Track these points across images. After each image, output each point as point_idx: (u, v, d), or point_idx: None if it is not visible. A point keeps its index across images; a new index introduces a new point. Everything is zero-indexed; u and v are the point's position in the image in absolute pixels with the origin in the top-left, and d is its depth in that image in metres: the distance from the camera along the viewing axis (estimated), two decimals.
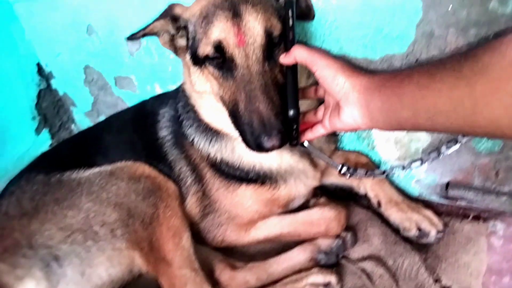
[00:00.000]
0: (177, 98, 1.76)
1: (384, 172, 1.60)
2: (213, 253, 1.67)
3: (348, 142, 1.87)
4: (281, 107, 1.29)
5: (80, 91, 2.36)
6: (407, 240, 1.62)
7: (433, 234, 1.59)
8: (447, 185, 1.71)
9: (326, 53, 1.29)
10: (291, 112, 1.27)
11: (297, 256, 1.60)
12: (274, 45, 1.32)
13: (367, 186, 1.77)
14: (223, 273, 1.60)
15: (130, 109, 2.05)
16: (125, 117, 1.98)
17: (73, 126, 2.59)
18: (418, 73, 1.06)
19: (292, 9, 1.33)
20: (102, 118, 2.39)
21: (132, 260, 1.55)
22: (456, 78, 0.93)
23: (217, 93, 1.42)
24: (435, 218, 1.63)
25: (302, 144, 1.49)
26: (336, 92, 1.24)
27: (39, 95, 2.40)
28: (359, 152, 1.85)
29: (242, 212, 1.66)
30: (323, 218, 1.64)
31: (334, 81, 1.23)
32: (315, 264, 1.59)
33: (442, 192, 1.74)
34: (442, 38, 1.38)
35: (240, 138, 1.36)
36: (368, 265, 1.55)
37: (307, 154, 1.66)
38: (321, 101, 1.46)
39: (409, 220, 1.63)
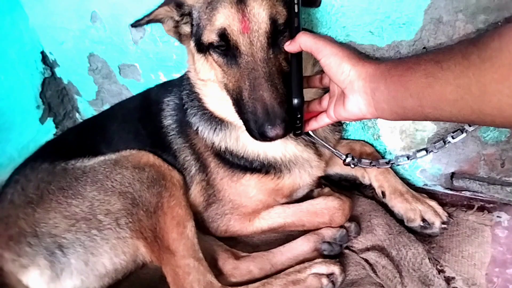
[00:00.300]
0: (182, 87, 1.75)
1: (389, 162, 1.60)
2: (216, 243, 1.68)
3: (353, 131, 1.86)
4: (285, 95, 1.28)
5: (85, 79, 2.36)
6: (411, 231, 1.61)
7: (437, 225, 1.59)
8: (452, 175, 1.70)
9: (332, 41, 1.28)
10: (295, 101, 1.27)
11: (301, 246, 1.61)
12: (279, 32, 1.31)
13: (371, 176, 1.76)
14: (227, 263, 1.61)
15: (135, 98, 2.05)
16: (130, 105, 1.98)
17: (77, 115, 2.59)
18: (425, 61, 1.04)
19: None
20: (106, 107, 2.39)
21: (136, 249, 1.56)
22: (463, 66, 0.91)
23: (221, 81, 1.41)
24: (439, 209, 1.63)
25: (306, 134, 1.48)
26: (341, 80, 1.23)
27: (43, 84, 2.39)
28: (364, 142, 1.84)
29: (246, 202, 1.67)
30: (327, 208, 1.63)
31: (340, 69, 1.22)
32: (319, 254, 1.59)
33: (447, 182, 1.73)
34: (451, 25, 1.36)
35: (244, 127, 1.36)
36: (372, 256, 1.55)
37: (311, 144, 1.65)
38: (326, 90, 1.45)
39: (413, 210, 1.62)
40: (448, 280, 1.45)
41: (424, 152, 1.54)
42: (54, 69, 2.42)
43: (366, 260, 1.56)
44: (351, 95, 1.22)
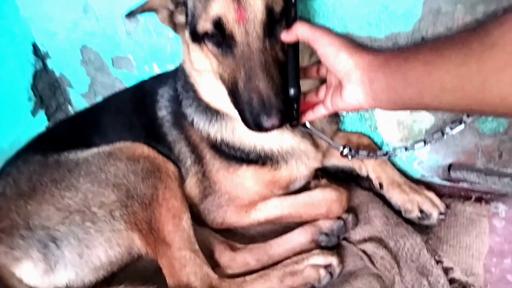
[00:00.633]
0: (177, 77, 1.74)
1: (386, 154, 1.60)
2: (213, 235, 1.67)
3: (350, 123, 1.86)
4: (281, 85, 1.27)
5: (77, 71, 2.34)
6: (408, 222, 1.62)
7: (435, 215, 1.59)
8: (450, 166, 1.70)
9: (329, 31, 1.27)
10: (291, 91, 1.26)
11: (298, 238, 1.60)
12: (275, 21, 1.29)
13: (369, 167, 1.76)
14: (223, 255, 1.60)
15: (129, 89, 2.03)
16: (124, 97, 1.97)
17: (69, 107, 2.57)
18: (424, 50, 1.04)
19: None
20: (99, 99, 2.36)
21: (131, 242, 1.55)
22: (464, 54, 0.91)
23: (217, 71, 1.40)
24: (437, 200, 1.63)
25: (303, 125, 1.48)
26: (339, 70, 1.22)
27: (35, 76, 2.37)
28: (361, 133, 1.84)
29: (242, 194, 1.66)
30: (324, 200, 1.63)
31: (337, 59, 1.21)
32: (316, 246, 1.59)
33: (444, 173, 1.73)
34: (450, 15, 1.35)
35: (239, 118, 1.35)
36: (369, 247, 1.54)
37: (308, 135, 1.65)
38: (323, 81, 1.45)
39: (411, 201, 1.62)
40: (446, 270, 1.45)
41: (422, 144, 1.54)
42: (45, 61, 2.40)
43: (364, 251, 1.55)
44: (348, 85, 1.22)
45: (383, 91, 1.14)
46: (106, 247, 1.52)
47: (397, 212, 1.65)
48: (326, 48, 1.22)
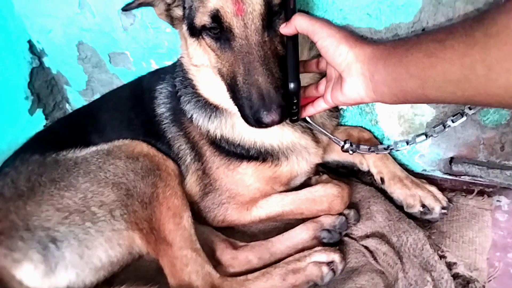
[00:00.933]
0: (175, 73, 1.72)
1: (388, 148, 1.58)
2: (214, 233, 1.66)
3: (350, 117, 1.83)
4: (281, 80, 1.25)
5: (74, 69, 2.31)
6: (411, 217, 1.59)
7: (437, 210, 1.57)
8: (451, 160, 1.68)
9: (329, 23, 1.25)
10: (291, 85, 1.24)
11: (300, 235, 1.58)
12: (274, 14, 1.27)
13: (370, 162, 1.74)
14: (225, 253, 1.59)
15: (127, 86, 2.01)
16: (122, 94, 1.94)
17: (67, 105, 2.54)
18: (426, 41, 1.01)
19: None
20: (97, 96, 2.33)
21: (132, 241, 1.54)
22: (468, 44, 0.88)
23: (215, 65, 1.38)
24: (439, 194, 1.61)
25: (303, 120, 1.46)
26: (339, 63, 1.20)
27: (31, 74, 2.33)
28: (361, 128, 1.81)
29: (243, 191, 1.64)
30: (325, 196, 1.61)
31: (337, 51, 1.19)
32: (318, 243, 1.57)
33: (446, 167, 1.71)
34: (450, 5, 1.32)
35: (239, 114, 1.33)
36: (372, 243, 1.53)
37: (309, 130, 1.63)
38: (322, 75, 1.42)
39: (413, 196, 1.60)
40: (449, 265, 1.43)
41: (423, 137, 1.52)
42: (42, 59, 2.37)
43: (366, 247, 1.53)
44: (348, 79, 1.20)
45: (384, 83, 1.12)
46: (107, 247, 1.50)
47: (399, 207, 1.63)
48: (326, 41, 1.20)
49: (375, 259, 1.49)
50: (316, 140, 1.66)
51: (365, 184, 1.77)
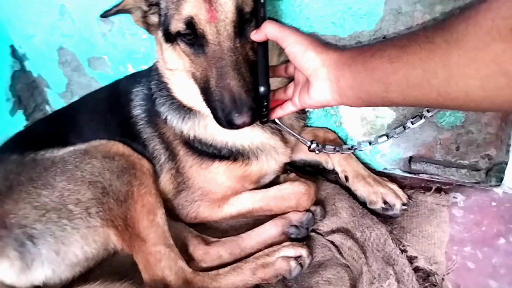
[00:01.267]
0: (150, 77, 1.67)
1: (351, 148, 1.55)
2: (187, 229, 1.60)
3: (316, 119, 1.80)
4: (252, 84, 1.23)
5: (54, 72, 2.23)
6: (373, 213, 1.56)
7: (398, 206, 1.54)
8: (410, 159, 1.66)
9: (297, 30, 1.22)
10: (261, 89, 1.21)
11: (269, 230, 1.54)
12: (245, 21, 1.25)
13: (334, 161, 1.71)
14: (197, 249, 1.53)
15: (104, 89, 1.93)
16: (99, 96, 1.87)
17: (47, 107, 2.45)
18: (389, 47, 0.98)
19: None
20: (76, 99, 2.23)
21: (107, 238, 1.47)
22: (429, 50, 0.86)
23: (189, 70, 1.34)
24: (399, 191, 1.59)
25: (273, 121, 1.43)
26: (306, 68, 1.17)
27: (13, 77, 2.25)
28: (327, 129, 1.78)
29: (215, 188, 1.59)
30: (293, 193, 1.57)
31: (304, 57, 1.16)
32: (286, 238, 1.53)
33: (406, 166, 1.69)
34: (409, 15, 1.33)
35: (211, 115, 1.30)
36: (337, 238, 1.48)
37: (277, 131, 1.59)
38: (290, 80, 1.39)
39: (375, 193, 1.58)
40: (410, 259, 1.40)
41: (385, 138, 1.50)
42: (23, 63, 2.28)
43: (332, 242, 1.49)
44: (315, 82, 1.16)
45: (349, 87, 1.09)
46: (83, 243, 1.44)
47: (362, 204, 1.60)
48: (294, 47, 1.17)
49: (340, 253, 1.45)
50: (285, 141, 1.62)
51: (330, 182, 1.73)
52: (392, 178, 1.69)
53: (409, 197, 1.59)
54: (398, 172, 1.73)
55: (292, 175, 1.71)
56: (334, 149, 1.53)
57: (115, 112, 1.74)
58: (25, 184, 1.48)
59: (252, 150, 1.56)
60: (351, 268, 1.41)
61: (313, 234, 1.56)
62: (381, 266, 1.35)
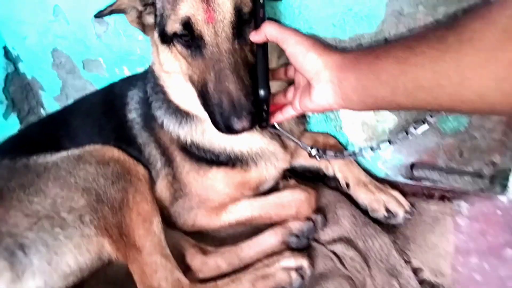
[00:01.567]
0: (146, 80, 1.59)
1: (353, 154, 1.46)
2: (183, 238, 1.51)
3: (316, 123, 1.72)
4: (251, 87, 1.16)
5: (48, 74, 2.16)
6: (375, 221, 1.48)
7: (401, 214, 1.47)
8: (412, 165, 1.58)
9: (297, 31, 1.14)
10: (261, 93, 1.14)
11: (269, 240, 1.45)
12: (244, 22, 1.18)
13: (335, 167, 1.62)
14: (195, 258, 1.44)
15: (99, 92, 1.85)
16: (94, 99, 1.79)
17: (42, 110, 2.38)
18: (396, 47, 0.91)
19: None
20: (71, 102, 2.18)
21: (101, 247, 1.38)
22: (440, 50, 0.79)
23: (186, 72, 1.27)
24: (402, 199, 1.51)
25: (272, 126, 1.35)
26: (308, 70, 1.10)
27: (6, 79, 2.19)
28: (327, 134, 1.70)
29: (213, 196, 1.51)
30: (293, 201, 1.49)
31: (306, 58, 1.09)
32: (287, 247, 1.44)
33: (407, 172, 1.61)
34: (411, 17, 1.26)
35: (209, 120, 1.22)
36: (339, 248, 1.40)
37: (277, 136, 1.52)
38: (290, 83, 1.32)
39: (377, 201, 1.50)
40: (415, 271, 1.32)
41: (387, 143, 1.41)
42: (17, 64, 2.22)
43: (334, 252, 1.41)
44: (317, 86, 1.09)
45: (353, 90, 1.02)
46: (76, 253, 1.34)
47: (364, 212, 1.52)
48: (295, 48, 1.10)
49: (342, 264, 1.37)
50: (284, 146, 1.55)
51: (331, 188, 1.64)
52: (393, 185, 1.61)
53: (412, 205, 1.51)
54: (400, 179, 1.65)
55: (292, 181, 1.63)
56: (335, 155, 1.45)
57: (110, 116, 1.66)
58: (16, 191, 1.39)
59: (251, 156, 1.48)
60: (354, 280, 1.33)
61: (314, 243, 1.47)
62: (386, 279, 1.27)
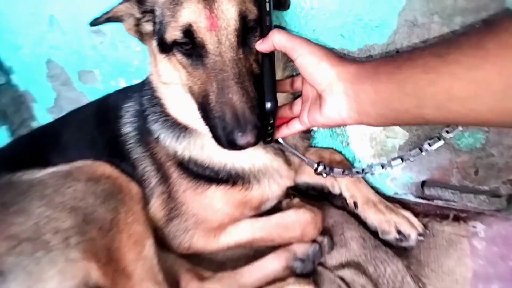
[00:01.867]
0: (143, 91, 1.44)
1: (362, 171, 1.32)
2: (178, 262, 1.35)
3: (321, 138, 1.59)
4: (256, 99, 1.03)
5: (43, 86, 2.01)
6: (386, 244, 1.34)
7: (413, 237, 1.32)
8: (423, 183, 1.45)
9: (308, 40, 1.01)
10: (268, 105, 1.02)
11: (271, 264, 1.30)
12: (249, 30, 1.06)
13: (342, 185, 1.48)
14: (190, 285, 1.28)
15: (92, 104, 1.70)
16: (86, 112, 1.63)
17: (34, 123, 2.22)
18: (422, 55, 0.80)
19: None
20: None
21: (88, 273, 1.21)
22: (477, 57, 0.69)
23: (186, 83, 1.14)
24: (414, 220, 1.37)
25: (276, 141, 1.22)
26: (319, 82, 0.97)
27: None
28: (333, 149, 1.57)
29: (211, 216, 1.36)
30: (298, 222, 1.35)
31: (317, 69, 0.96)
32: (291, 273, 1.29)
33: (418, 191, 1.48)
34: (426, 27, 1.15)
35: (210, 134, 1.09)
36: (348, 273, 1.25)
37: (281, 152, 1.38)
38: (296, 96, 1.22)
39: (388, 222, 1.36)
40: None
41: (399, 161, 1.27)
42: (10, 76, 2.06)
43: (342, 278, 1.25)
44: (329, 98, 0.96)
45: (371, 103, 0.89)
46: (60, 279, 1.17)
47: (374, 234, 1.38)
48: (306, 58, 0.98)
49: None
50: (288, 163, 1.40)
51: (337, 207, 1.50)
52: (404, 204, 1.47)
53: (425, 226, 1.37)
54: (411, 198, 1.51)
55: (296, 200, 1.48)
56: (343, 172, 1.31)
57: (103, 129, 1.51)
58: None
59: (253, 173, 1.34)
60: None
61: (320, 268, 1.32)
62: None
